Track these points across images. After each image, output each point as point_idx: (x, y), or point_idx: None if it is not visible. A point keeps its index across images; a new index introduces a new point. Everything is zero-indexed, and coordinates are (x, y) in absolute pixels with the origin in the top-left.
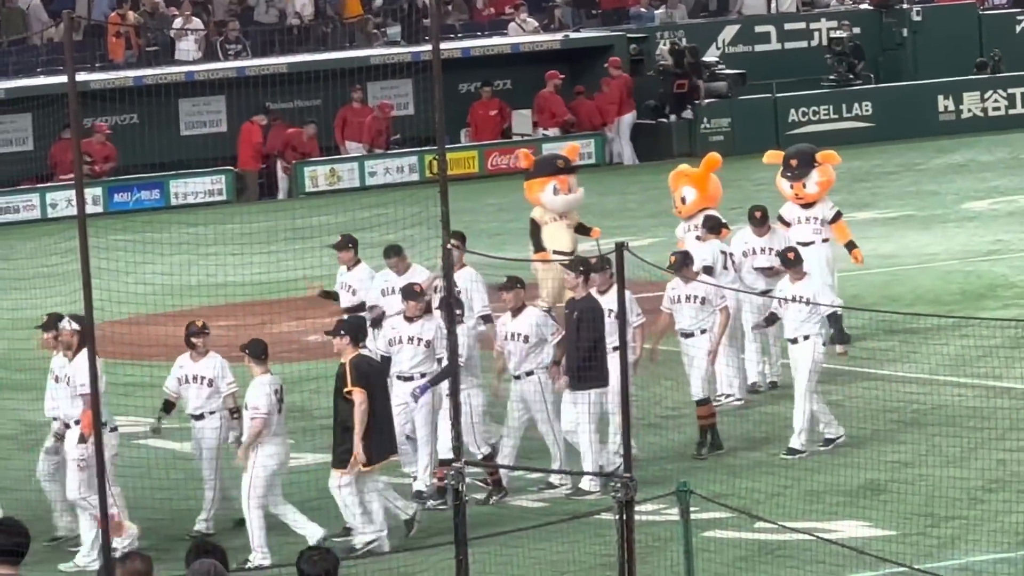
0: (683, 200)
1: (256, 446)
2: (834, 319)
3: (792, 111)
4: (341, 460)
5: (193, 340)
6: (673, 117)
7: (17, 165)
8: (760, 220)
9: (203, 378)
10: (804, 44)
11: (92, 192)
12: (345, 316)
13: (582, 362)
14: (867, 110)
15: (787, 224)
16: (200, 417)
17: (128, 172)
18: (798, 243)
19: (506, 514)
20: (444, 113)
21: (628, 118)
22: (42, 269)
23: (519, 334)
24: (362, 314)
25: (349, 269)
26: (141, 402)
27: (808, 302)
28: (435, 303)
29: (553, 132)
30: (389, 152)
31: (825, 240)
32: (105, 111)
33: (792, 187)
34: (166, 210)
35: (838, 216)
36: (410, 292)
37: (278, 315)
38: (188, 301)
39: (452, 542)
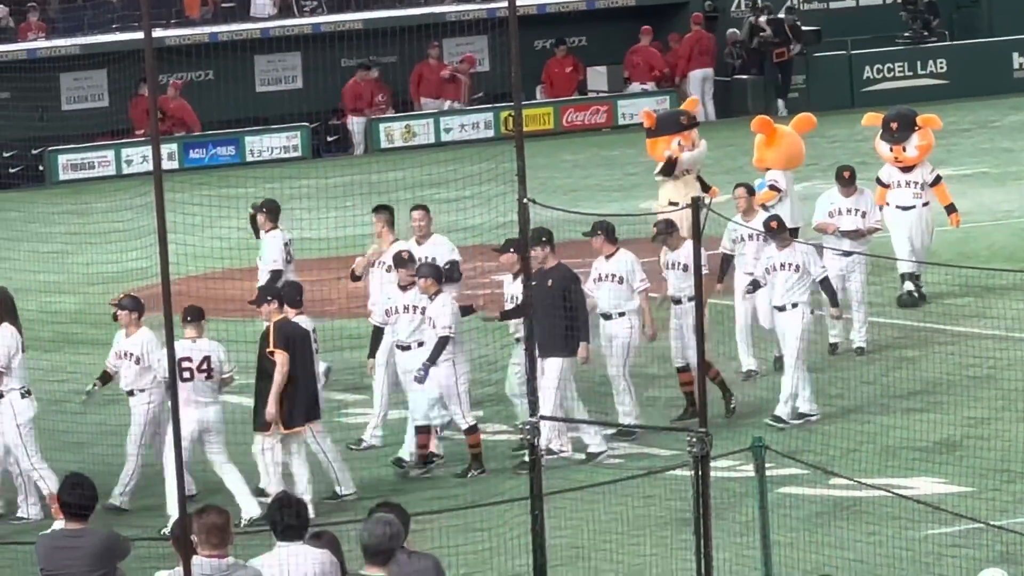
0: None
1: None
2: (826, 284)
3: (867, 68)
4: (263, 423)
5: (116, 314)
6: (751, 72)
7: (93, 120)
8: (848, 180)
9: (131, 354)
10: (879, 1)
11: (168, 148)
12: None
13: (564, 330)
14: (942, 67)
15: (885, 186)
16: (131, 394)
17: (203, 128)
18: (897, 207)
19: (581, 470)
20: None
21: (704, 73)
22: (117, 225)
23: (517, 296)
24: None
25: (266, 232)
26: None
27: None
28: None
29: (650, 86)
30: (465, 109)
31: (925, 204)
32: (180, 67)
33: (892, 150)
34: (241, 166)
35: (938, 180)
36: (399, 260)
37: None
38: None
39: (527, 497)
